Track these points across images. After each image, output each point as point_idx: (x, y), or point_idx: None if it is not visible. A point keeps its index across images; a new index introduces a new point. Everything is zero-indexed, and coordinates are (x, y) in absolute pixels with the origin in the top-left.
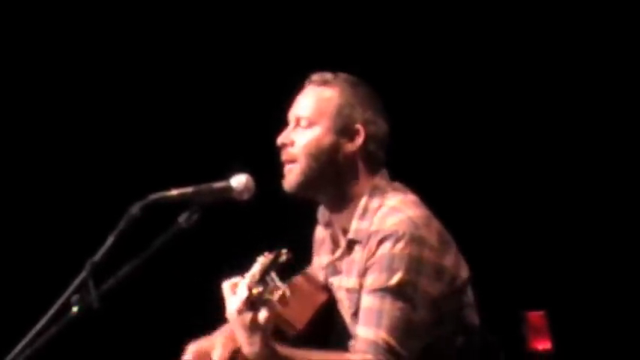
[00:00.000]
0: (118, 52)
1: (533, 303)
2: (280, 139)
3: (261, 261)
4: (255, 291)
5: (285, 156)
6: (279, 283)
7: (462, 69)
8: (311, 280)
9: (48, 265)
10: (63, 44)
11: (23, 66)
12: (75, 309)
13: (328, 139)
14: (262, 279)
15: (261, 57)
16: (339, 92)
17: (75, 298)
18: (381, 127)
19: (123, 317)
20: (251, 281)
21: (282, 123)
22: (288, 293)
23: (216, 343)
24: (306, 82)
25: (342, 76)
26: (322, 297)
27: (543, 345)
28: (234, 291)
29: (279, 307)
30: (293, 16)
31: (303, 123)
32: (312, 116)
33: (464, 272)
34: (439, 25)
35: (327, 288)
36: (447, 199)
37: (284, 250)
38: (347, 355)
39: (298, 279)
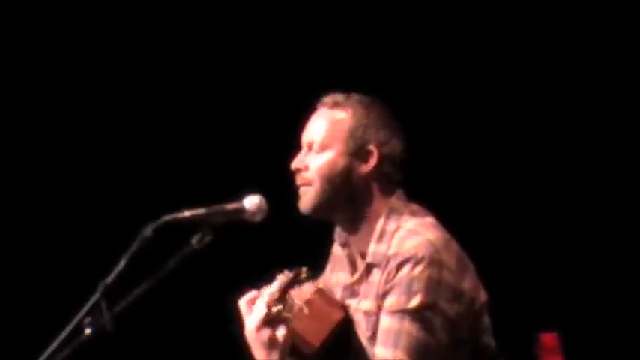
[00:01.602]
0: (133, 72)
1: (546, 324)
2: (294, 165)
3: (281, 279)
4: (275, 309)
5: (299, 181)
6: (296, 300)
7: (478, 87)
8: (327, 297)
9: (60, 287)
10: (80, 68)
11: (34, 93)
12: (87, 331)
13: (341, 163)
14: (282, 297)
15: (274, 77)
16: (351, 114)
17: (87, 320)
18: (396, 147)
19: (136, 339)
20: (270, 299)
21: (295, 143)
22: (306, 310)
23: None
24: (318, 105)
25: (355, 96)
26: (339, 314)
27: None
28: (252, 308)
29: (296, 324)
30: (307, 35)
31: (315, 147)
32: (325, 140)
33: (482, 295)
34: (456, 44)
35: (343, 305)
36: (457, 218)
37: (304, 268)
38: None
39: (314, 295)
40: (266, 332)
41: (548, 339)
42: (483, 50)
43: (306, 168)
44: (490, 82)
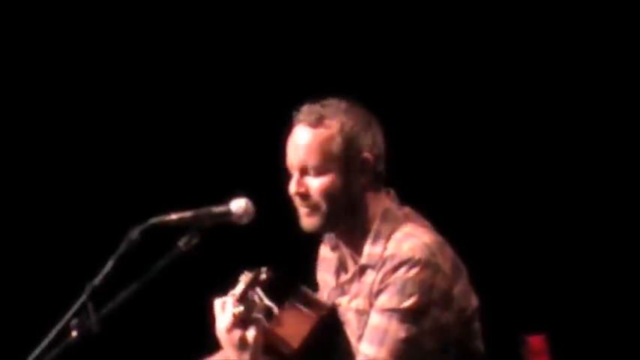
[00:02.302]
0: (121, 76)
1: (533, 326)
2: (294, 190)
3: (242, 280)
4: (236, 311)
5: (303, 205)
6: (266, 301)
7: (464, 90)
8: (306, 297)
9: (47, 289)
10: (66, 71)
11: (20, 96)
12: (74, 333)
13: (343, 181)
14: (243, 298)
15: (259, 80)
16: (337, 129)
17: (74, 322)
18: (381, 143)
19: (122, 341)
20: (233, 301)
21: (281, 146)
22: (276, 311)
23: None
24: (296, 121)
25: (331, 105)
26: (318, 314)
27: None
28: (224, 309)
29: (268, 326)
30: (289, 38)
31: (311, 171)
32: (320, 165)
33: (473, 301)
34: (440, 41)
35: (325, 305)
36: (445, 221)
37: (263, 269)
38: None
39: (291, 297)
40: (237, 333)
41: (536, 341)
42: (474, 49)
43: (308, 191)
44: (478, 83)
